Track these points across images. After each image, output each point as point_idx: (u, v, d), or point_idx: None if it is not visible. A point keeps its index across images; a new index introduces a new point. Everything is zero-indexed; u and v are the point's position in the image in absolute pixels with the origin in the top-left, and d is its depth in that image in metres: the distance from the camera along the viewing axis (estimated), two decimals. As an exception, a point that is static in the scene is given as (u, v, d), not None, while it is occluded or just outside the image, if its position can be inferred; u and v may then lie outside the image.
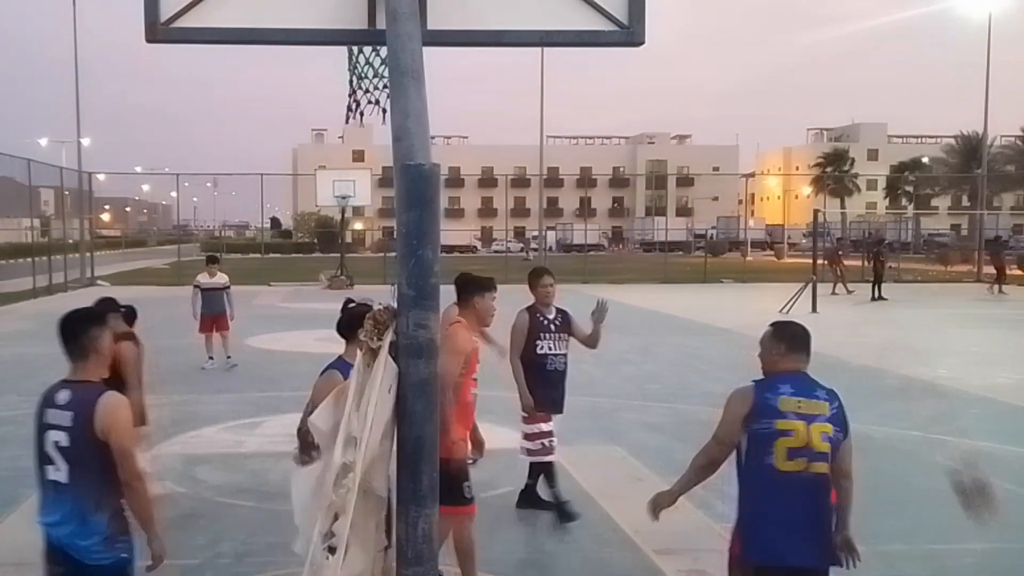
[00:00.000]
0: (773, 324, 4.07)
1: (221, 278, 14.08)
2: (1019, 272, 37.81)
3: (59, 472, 3.64)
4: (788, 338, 3.96)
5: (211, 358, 13.73)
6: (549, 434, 6.75)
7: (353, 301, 4.66)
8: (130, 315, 6.62)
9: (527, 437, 6.77)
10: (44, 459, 3.68)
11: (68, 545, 3.62)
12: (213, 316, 13.94)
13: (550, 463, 6.87)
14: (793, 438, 3.70)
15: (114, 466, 3.60)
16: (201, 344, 14.22)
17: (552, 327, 6.76)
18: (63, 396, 3.67)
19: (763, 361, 3.97)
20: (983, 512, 4.42)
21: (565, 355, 6.81)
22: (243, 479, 7.71)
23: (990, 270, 30.89)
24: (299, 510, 3.79)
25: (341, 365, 4.47)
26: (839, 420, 3.82)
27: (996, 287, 28.80)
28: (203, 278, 14.07)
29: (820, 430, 3.73)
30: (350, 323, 4.46)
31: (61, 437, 3.61)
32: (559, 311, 6.88)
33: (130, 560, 3.72)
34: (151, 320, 21.75)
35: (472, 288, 5.51)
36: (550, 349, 6.71)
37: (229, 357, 13.94)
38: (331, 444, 3.71)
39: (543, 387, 6.67)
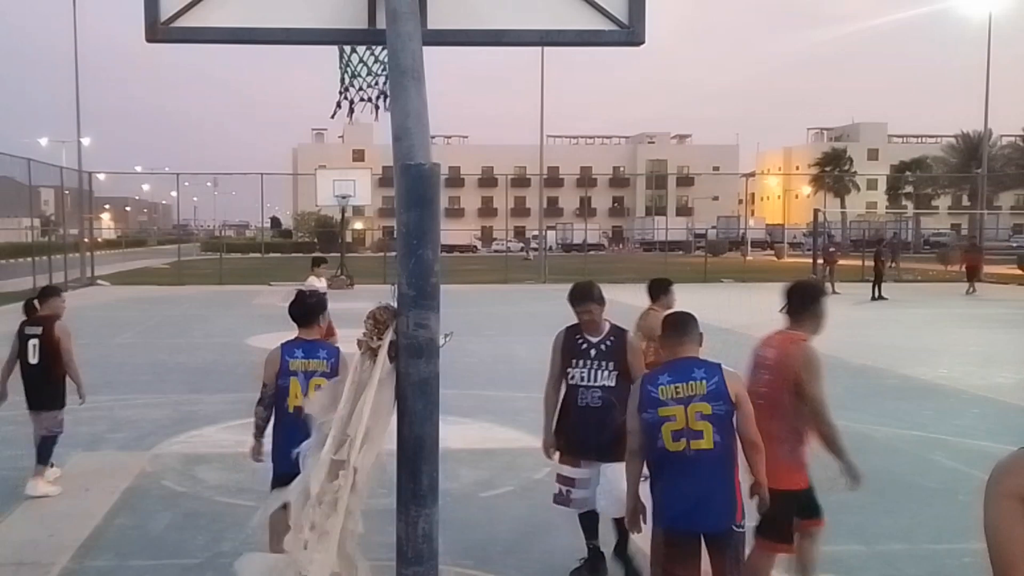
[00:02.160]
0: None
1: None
2: (1020, 272, 37.89)
3: None
4: (667, 327, 4.38)
5: None
6: (571, 481, 5.59)
7: (307, 291, 5.57)
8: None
9: (556, 477, 5.76)
10: None
11: None
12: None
13: (590, 514, 5.68)
14: (675, 422, 4.11)
15: None
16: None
17: (591, 352, 5.47)
18: None
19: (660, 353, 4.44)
20: None
21: (603, 388, 5.41)
22: (243, 479, 7.70)
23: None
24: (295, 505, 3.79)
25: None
26: (718, 395, 4.10)
27: (971, 287, 28.91)
28: (318, 281, 12.37)
29: (695, 410, 4.09)
30: (313, 313, 5.60)
31: None
32: (613, 330, 5.55)
33: None
34: (152, 320, 21.82)
35: (811, 298, 4.89)
36: (582, 379, 5.45)
37: None
38: (323, 442, 3.72)
39: (572, 426, 5.53)
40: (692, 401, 4.10)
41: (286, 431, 5.27)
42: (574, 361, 5.47)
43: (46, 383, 7.47)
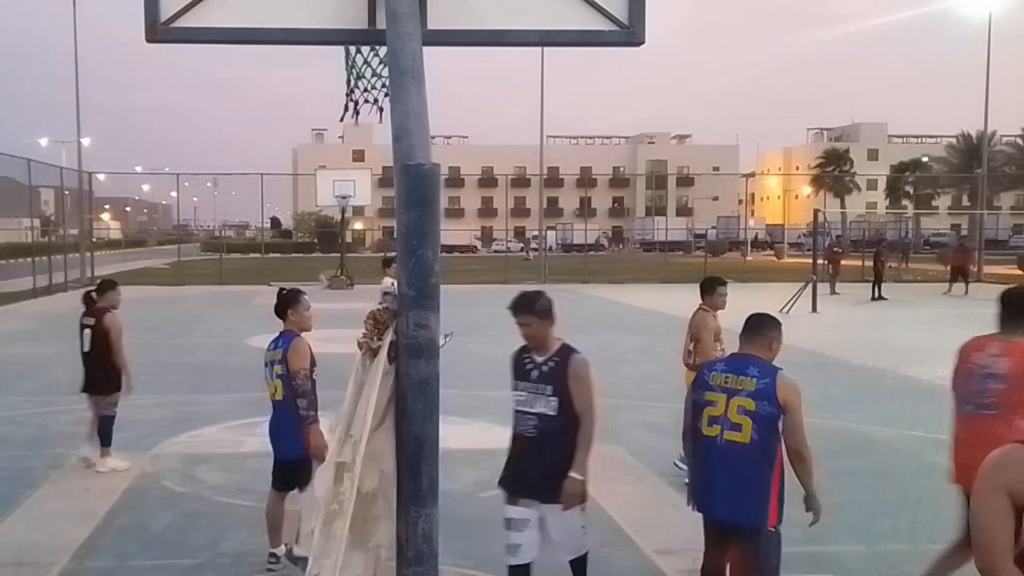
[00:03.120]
0: None
1: None
2: (1019, 272, 37.87)
3: None
4: (744, 324, 4.51)
5: None
6: (507, 523, 4.75)
7: (284, 288, 5.86)
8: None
9: None
10: None
11: None
12: None
13: (522, 569, 4.75)
14: (715, 408, 4.28)
15: None
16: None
17: (533, 373, 4.66)
18: None
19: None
20: None
21: (539, 416, 4.60)
22: (243, 479, 7.70)
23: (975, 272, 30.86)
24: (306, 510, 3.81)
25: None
26: (765, 395, 4.18)
27: (964, 287, 28.88)
28: (390, 281, 11.86)
29: (738, 403, 4.21)
30: (282, 306, 5.72)
31: None
32: (560, 351, 4.68)
33: None
34: (152, 320, 21.79)
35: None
36: (519, 404, 4.69)
37: None
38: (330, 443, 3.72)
39: (508, 456, 4.83)
40: (737, 394, 4.22)
41: (272, 417, 5.76)
42: (515, 383, 4.73)
43: (96, 370, 8.10)
